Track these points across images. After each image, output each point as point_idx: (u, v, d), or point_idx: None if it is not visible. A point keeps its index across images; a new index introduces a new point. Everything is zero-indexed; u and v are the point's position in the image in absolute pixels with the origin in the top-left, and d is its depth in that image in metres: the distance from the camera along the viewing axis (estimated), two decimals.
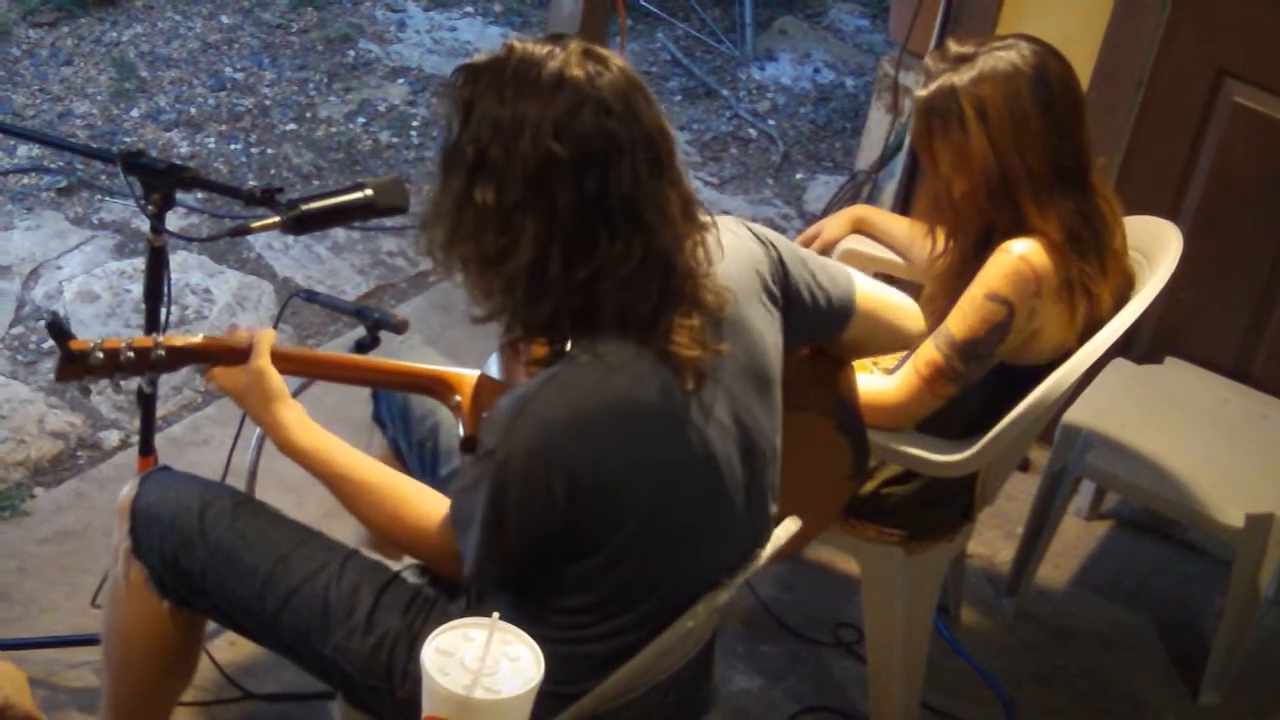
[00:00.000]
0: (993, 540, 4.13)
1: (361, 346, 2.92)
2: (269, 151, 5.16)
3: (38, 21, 5.57)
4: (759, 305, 2.54)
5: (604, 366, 2.36)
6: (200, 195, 4.67)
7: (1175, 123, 4.10)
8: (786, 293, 2.61)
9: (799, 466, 2.74)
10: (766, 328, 2.54)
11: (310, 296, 3.23)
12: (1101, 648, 3.91)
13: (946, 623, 3.85)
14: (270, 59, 5.63)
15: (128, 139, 5.08)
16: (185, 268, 4.54)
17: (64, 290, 4.41)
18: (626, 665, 2.49)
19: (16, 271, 4.46)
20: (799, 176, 5.61)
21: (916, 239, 3.47)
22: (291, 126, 5.30)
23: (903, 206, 4.47)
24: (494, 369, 2.74)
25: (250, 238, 4.62)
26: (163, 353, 2.64)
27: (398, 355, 2.98)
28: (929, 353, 3.10)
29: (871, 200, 4.88)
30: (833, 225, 3.67)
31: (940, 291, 3.23)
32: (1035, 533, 3.89)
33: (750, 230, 2.62)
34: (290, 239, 4.72)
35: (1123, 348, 3.79)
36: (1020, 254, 3.04)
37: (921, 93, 3.13)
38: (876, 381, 3.16)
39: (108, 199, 4.79)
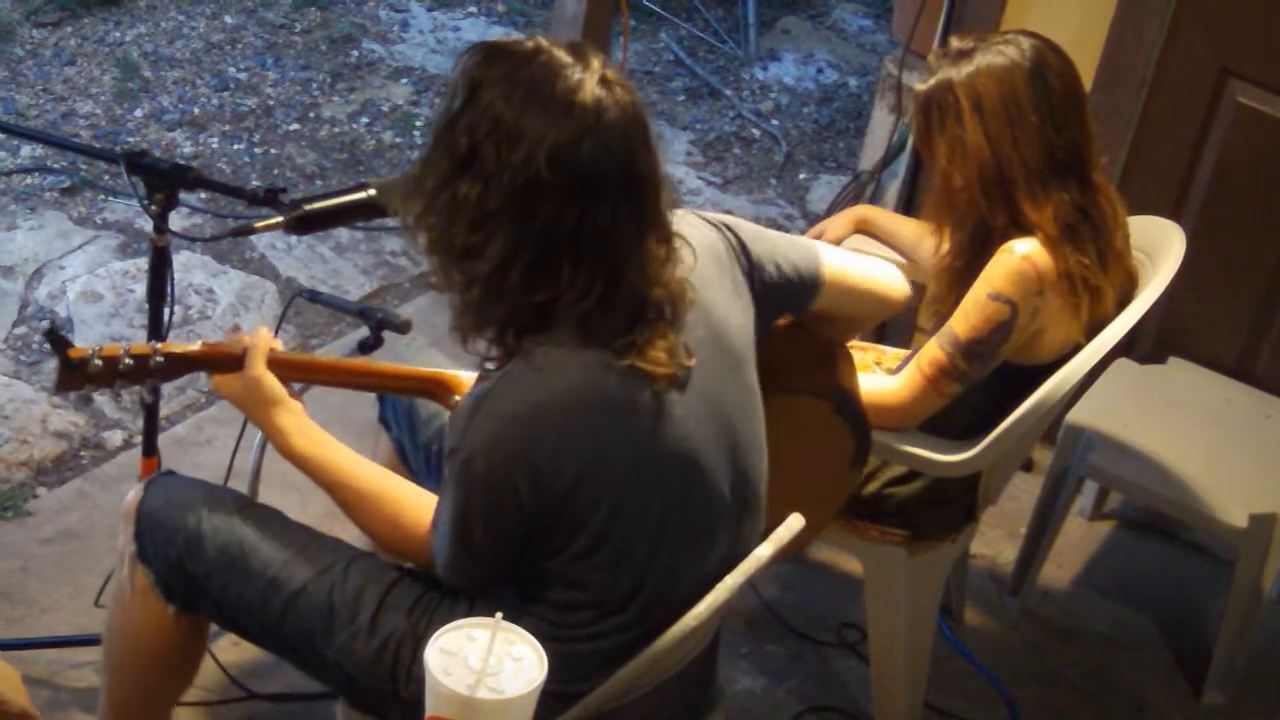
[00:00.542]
0: (996, 540, 4.13)
1: (365, 347, 2.92)
2: (272, 151, 5.16)
3: (41, 21, 5.58)
4: (719, 290, 2.53)
5: (558, 361, 2.36)
6: (203, 195, 4.67)
7: (1178, 122, 4.10)
8: (750, 271, 2.61)
9: (799, 453, 2.73)
10: (730, 311, 2.54)
11: (313, 297, 3.23)
12: (1105, 648, 3.91)
13: (950, 623, 3.85)
14: (274, 59, 5.63)
15: (131, 139, 5.08)
16: (188, 268, 4.54)
17: (67, 290, 4.41)
18: (629, 664, 2.49)
19: (20, 271, 4.46)
20: (802, 176, 5.61)
21: (920, 239, 3.48)
22: (295, 126, 5.30)
23: (906, 207, 4.47)
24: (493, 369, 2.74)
25: (253, 238, 4.63)
26: (161, 359, 2.64)
27: (403, 357, 2.99)
28: (933, 352, 3.10)
29: (875, 200, 4.87)
30: (836, 225, 3.67)
31: (943, 291, 3.23)
32: (1038, 533, 3.89)
33: (704, 219, 2.61)
34: (293, 239, 4.72)
35: (1126, 348, 3.79)
36: (1023, 254, 3.04)
37: (921, 87, 3.15)
38: (880, 381, 3.16)
39: (111, 199, 4.79)
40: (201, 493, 2.76)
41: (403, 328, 2.96)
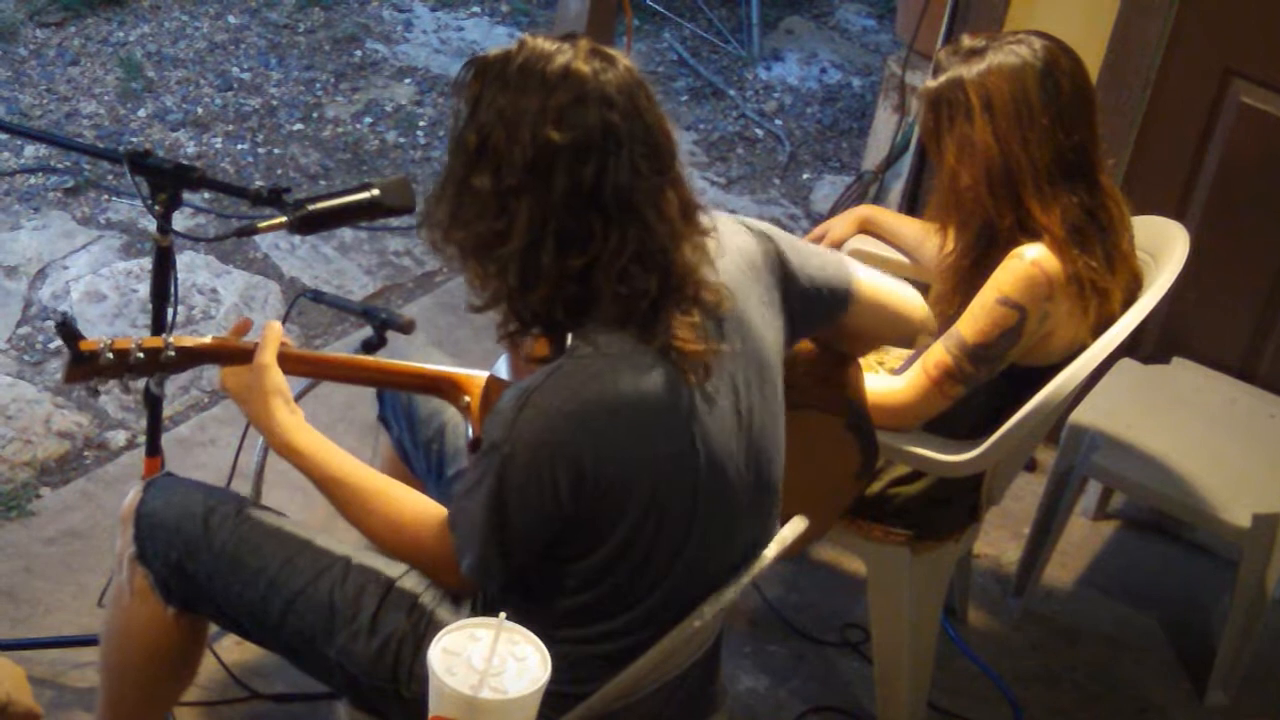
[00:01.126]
0: (999, 540, 4.12)
1: (368, 346, 2.92)
2: (276, 151, 5.16)
3: (45, 21, 5.58)
4: (757, 301, 2.54)
5: (606, 359, 2.36)
6: (207, 195, 4.67)
7: (1182, 123, 4.10)
8: (785, 284, 2.62)
9: (807, 464, 2.74)
10: (766, 322, 2.55)
11: (317, 296, 3.23)
12: (1108, 648, 3.91)
13: (953, 623, 3.84)
14: (277, 59, 5.63)
15: (134, 139, 5.08)
16: (192, 268, 4.55)
17: (71, 290, 4.41)
18: (633, 664, 2.49)
19: (23, 271, 4.46)
20: (806, 176, 5.61)
21: (925, 239, 3.47)
22: (298, 126, 5.30)
23: (909, 207, 4.47)
24: (503, 370, 2.75)
25: (257, 238, 4.63)
26: (173, 353, 2.64)
27: (402, 356, 2.98)
28: (938, 354, 3.10)
29: (878, 200, 4.88)
30: (839, 225, 3.67)
31: (948, 290, 3.23)
32: (1042, 533, 3.88)
33: (745, 225, 2.62)
34: (297, 239, 4.72)
35: (1129, 348, 3.78)
36: (1033, 259, 3.04)
37: (931, 84, 3.14)
38: (884, 382, 3.16)
39: (114, 199, 4.80)
40: (201, 494, 2.76)
41: (406, 328, 2.96)
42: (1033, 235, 3.07)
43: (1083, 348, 3.11)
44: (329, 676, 2.69)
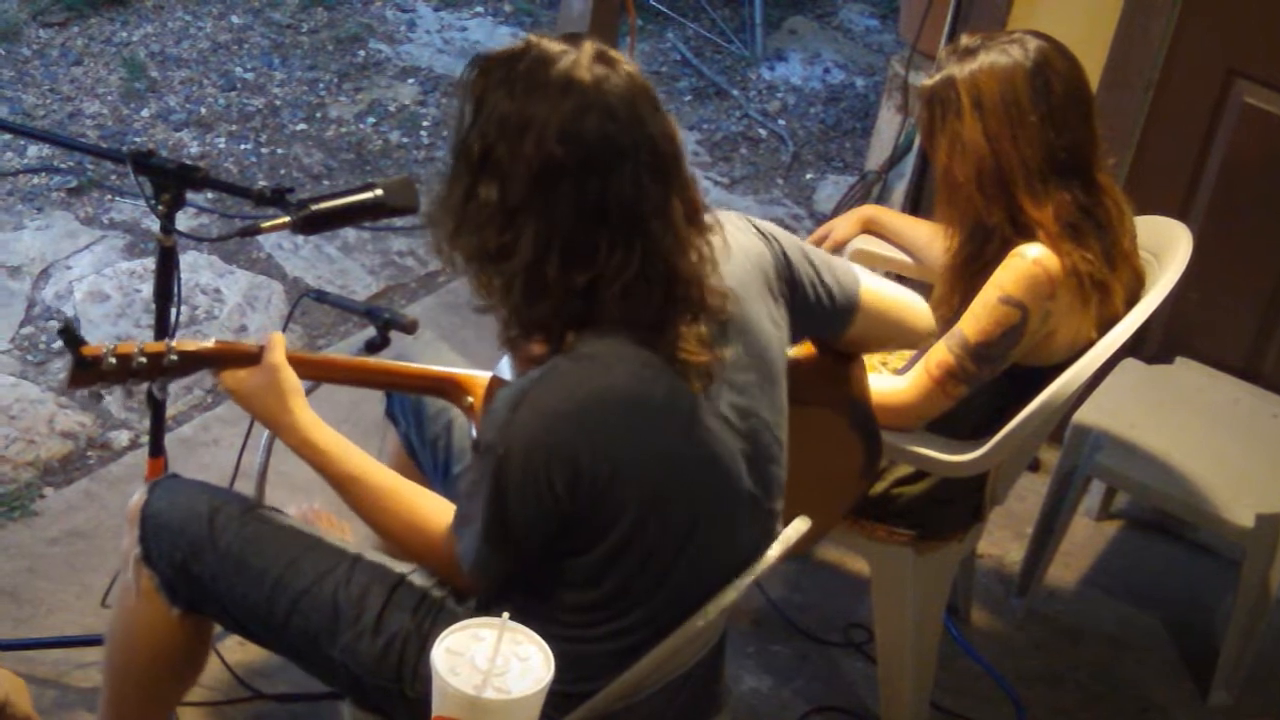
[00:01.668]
0: (1003, 540, 4.12)
1: (372, 347, 2.92)
2: (279, 151, 5.16)
3: (48, 21, 5.58)
4: (762, 302, 2.54)
5: (604, 359, 2.36)
6: (210, 195, 4.67)
7: (1185, 123, 4.10)
8: (791, 288, 2.62)
9: (810, 463, 2.74)
10: (771, 325, 2.55)
11: (320, 297, 3.23)
12: (1111, 648, 3.91)
13: (956, 623, 3.84)
14: (280, 59, 5.64)
15: (138, 139, 5.08)
16: (195, 268, 4.55)
17: (74, 290, 4.41)
18: (636, 664, 2.49)
19: (27, 271, 4.46)
20: (809, 176, 5.61)
21: (930, 239, 3.47)
22: (301, 126, 5.31)
23: (912, 207, 4.47)
24: (506, 371, 2.74)
25: (260, 238, 4.63)
26: (175, 357, 2.64)
27: (413, 354, 2.99)
28: (941, 354, 3.10)
29: (881, 200, 4.88)
30: (843, 225, 3.67)
31: (947, 291, 3.23)
32: (1045, 533, 3.88)
33: (754, 226, 2.62)
34: (300, 239, 4.72)
35: (1133, 348, 3.78)
36: (1034, 258, 3.04)
37: (926, 82, 3.16)
38: (887, 381, 3.16)
39: (118, 199, 4.80)
40: (206, 495, 2.76)
41: (409, 328, 2.96)
42: (1026, 232, 3.08)
43: (1085, 347, 3.12)
44: (333, 676, 2.69)
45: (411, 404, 3.08)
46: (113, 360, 2.59)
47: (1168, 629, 3.98)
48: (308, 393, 2.70)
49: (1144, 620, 4.00)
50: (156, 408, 3.16)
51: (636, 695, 2.55)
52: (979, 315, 3.07)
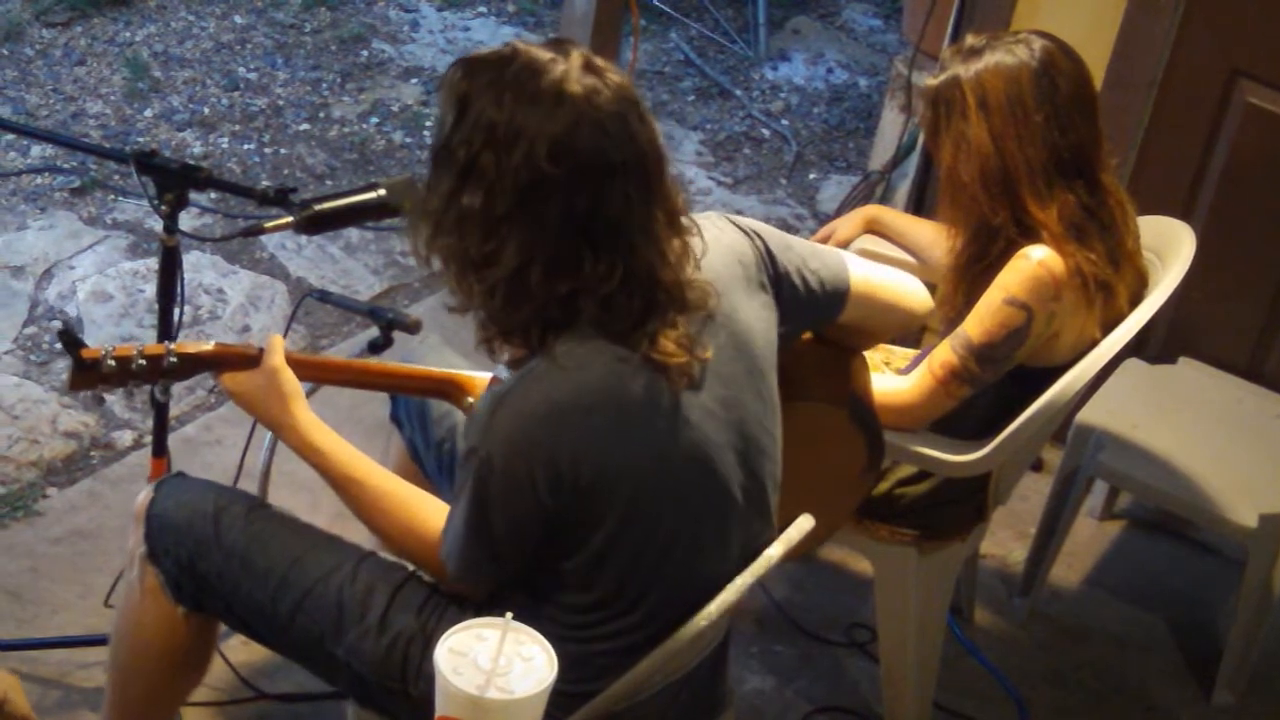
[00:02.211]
0: (1006, 540, 4.12)
1: (375, 347, 2.92)
2: (282, 151, 5.17)
3: (51, 21, 5.58)
4: (744, 296, 2.53)
5: (582, 361, 2.36)
6: (213, 195, 4.68)
7: (1188, 123, 4.09)
8: (776, 280, 2.61)
9: (811, 458, 2.73)
10: (754, 318, 2.54)
11: (323, 297, 3.23)
12: (1115, 648, 3.91)
13: (959, 623, 3.84)
14: (283, 59, 5.64)
15: (141, 139, 5.09)
16: (198, 268, 4.55)
17: (77, 290, 4.42)
18: (639, 664, 2.49)
19: (30, 271, 4.47)
20: (812, 176, 5.61)
21: (933, 239, 3.47)
22: (305, 126, 5.31)
23: (916, 207, 4.47)
24: (505, 371, 2.74)
25: (263, 238, 4.64)
26: (175, 360, 2.64)
27: (417, 354, 2.99)
28: (945, 355, 3.10)
29: (885, 200, 4.88)
30: (845, 225, 3.67)
31: (952, 291, 3.23)
32: (1048, 533, 3.88)
33: (732, 223, 2.61)
34: (303, 239, 4.72)
35: (1136, 348, 3.78)
36: (1039, 260, 3.04)
37: (930, 82, 3.16)
38: (890, 381, 3.16)
39: (121, 199, 4.80)
40: (212, 494, 2.76)
41: (413, 328, 2.96)
42: (1030, 233, 3.08)
43: (1089, 347, 3.11)
44: (337, 676, 2.69)
45: (416, 408, 3.08)
46: (112, 363, 2.59)
47: (1171, 629, 3.98)
48: (308, 394, 2.70)
49: (1147, 620, 4.00)
50: (159, 408, 3.16)
51: (639, 695, 2.55)
52: (983, 316, 3.07)
